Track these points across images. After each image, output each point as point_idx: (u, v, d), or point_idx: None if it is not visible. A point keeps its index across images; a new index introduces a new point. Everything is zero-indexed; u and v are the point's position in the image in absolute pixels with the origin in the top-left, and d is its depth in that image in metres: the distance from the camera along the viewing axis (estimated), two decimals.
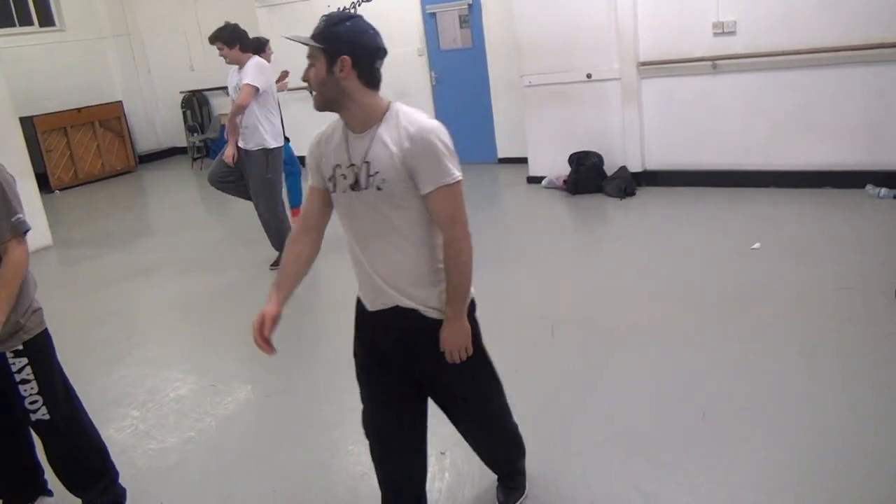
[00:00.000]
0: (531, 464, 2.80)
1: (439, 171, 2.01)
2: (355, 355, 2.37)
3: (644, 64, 6.54)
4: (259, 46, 6.09)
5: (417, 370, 2.30)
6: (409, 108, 2.10)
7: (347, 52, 2.01)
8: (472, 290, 2.24)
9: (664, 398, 3.29)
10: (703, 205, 6.10)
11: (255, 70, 5.38)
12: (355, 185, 2.08)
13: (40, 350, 2.59)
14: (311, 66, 2.06)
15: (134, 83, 11.93)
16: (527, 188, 7.39)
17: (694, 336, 3.84)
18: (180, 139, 11.92)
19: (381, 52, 2.08)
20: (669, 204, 6.28)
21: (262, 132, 5.42)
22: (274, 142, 5.48)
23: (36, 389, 2.56)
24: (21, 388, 2.53)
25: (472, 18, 8.44)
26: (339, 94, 2.05)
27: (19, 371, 2.52)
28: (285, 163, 6.03)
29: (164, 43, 11.72)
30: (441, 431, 3.20)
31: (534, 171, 7.50)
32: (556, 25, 6.92)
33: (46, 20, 10.95)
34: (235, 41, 5.39)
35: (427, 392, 2.39)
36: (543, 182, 7.31)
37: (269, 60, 6.13)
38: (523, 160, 7.72)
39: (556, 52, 6.98)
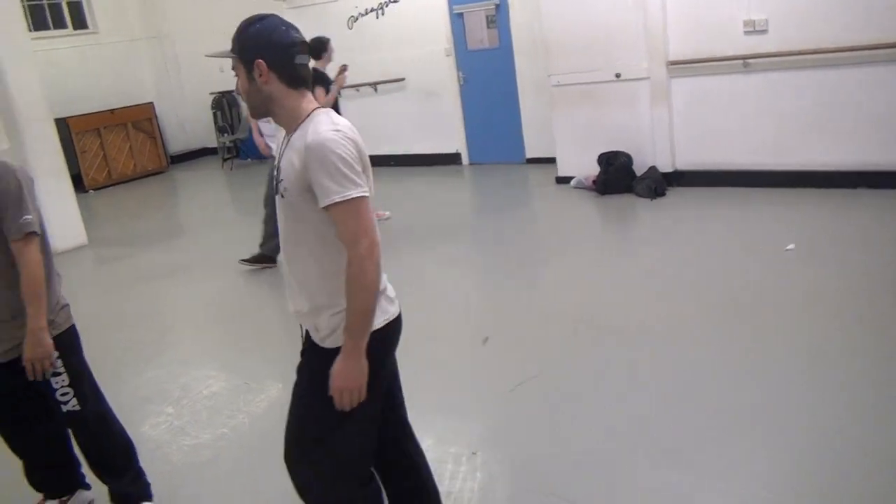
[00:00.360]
0: (555, 464, 2.78)
1: (331, 187, 1.85)
2: None
3: (674, 63, 6.48)
4: (321, 46, 6.21)
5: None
6: (328, 116, 1.97)
7: (260, 55, 1.94)
8: (382, 319, 2.03)
9: (689, 399, 3.26)
10: (736, 205, 6.04)
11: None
12: (276, 190, 2.03)
13: (69, 344, 2.67)
14: (236, 76, 2.02)
15: (165, 85, 12.10)
16: (555, 188, 7.36)
17: (725, 339, 3.80)
18: (210, 140, 12.06)
19: (296, 47, 1.97)
20: (701, 204, 6.22)
21: None
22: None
23: (67, 381, 2.64)
24: (53, 380, 2.62)
25: (499, 18, 8.43)
26: (264, 100, 1.99)
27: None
28: None
29: (194, 45, 11.84)
30: (470, 431, 3.23)
31: (562, 171, 7.47)
32: (584, 24, 6.89)
33: (80, 23, 11.15)
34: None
35: None
36: (572, 182, 7.28)
37: (331, 59, 6.33)
38: (551, 160, 7.69)
39: (585, 52, 6.94)
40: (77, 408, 2.67)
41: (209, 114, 11.67)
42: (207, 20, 11.45)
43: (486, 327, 4.33)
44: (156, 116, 11.54)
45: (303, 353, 2.17)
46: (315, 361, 2.05)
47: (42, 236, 2.57)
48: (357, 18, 9.45)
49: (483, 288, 5.28)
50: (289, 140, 2.00)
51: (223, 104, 11.61)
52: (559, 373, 3.68)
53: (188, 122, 12.37)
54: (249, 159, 11.29)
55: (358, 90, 9.64)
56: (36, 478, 2.92)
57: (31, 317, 2.48)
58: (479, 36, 8.68)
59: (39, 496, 2.95)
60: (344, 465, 2.08)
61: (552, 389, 3.53)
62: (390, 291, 2.14)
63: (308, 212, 1.94)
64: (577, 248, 5.65)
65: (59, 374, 2.62)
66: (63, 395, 2.64)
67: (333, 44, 6.48)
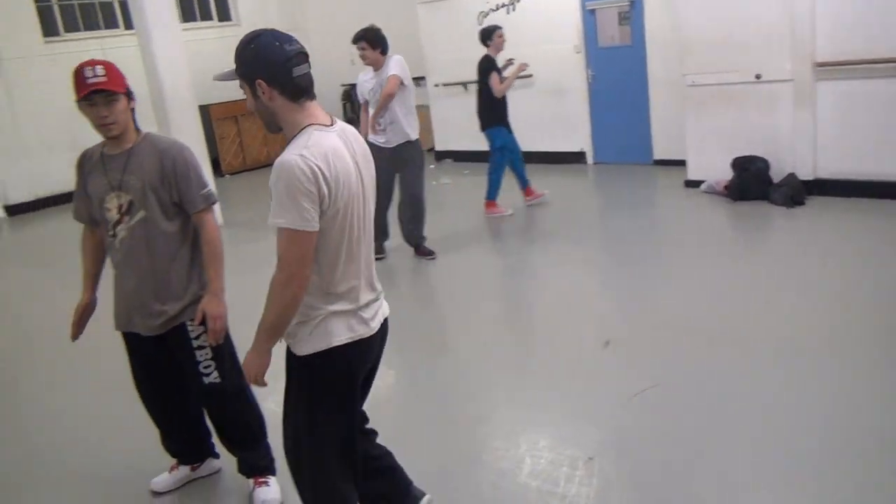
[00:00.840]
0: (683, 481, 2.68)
1: (273, 208, 1.94)
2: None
3: (821, 65, 6.10)
4: (487, 34, 6.64)
5: None
6: (307, 136, 1.98)
7: (259, 74, 1.98)
8: (347, 336, 2.12)
9: (820, 422, 3.06)
10: (883, 218, 5.63)
11: (399, 64, 5.54)
12: None
13: None
14: (246, 96, 2.07)
15: None
16: (684, 192, 7.11)
17: (860, 359, 3.55)
18: None
19: (292, 60, 1.99)
20: (843, 216, 5.84)
21: (404, 126, 5.61)
22: (415, 134, 5.71)
23: (210, 355, 2.78)
24: (197, 353, 2.76)
25: (633, 15, 8.21)
26: (272, 117, 2.05)
27: (196, 338, 2.75)
28: (507, 149, 6.82)
29: (328, 38, 12.23)
30: (589, 435, 3.17)
31: (692, 174, 7.20)
32: (723, 23, 6.60)
33: (224, 15, 11.79)
34: (378, 44, 5.55)
35: None
36: (702, 186, 7.01)
37: (500, 48, 6.73)
38: (681, 163, 7.43)
39: (723, 51, 6.66)
40: (217, 381, 2.80)
41: (339, 105, 12.02)
42: (344, 14, 11.80)
43: (607, 330, 4.24)
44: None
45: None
46: (290, 365, 2.23)
47: None
48: (487, 14, 9.44)
49: (605, 290, 5.17)
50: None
51: (352, 96, 11.92)
52: (684, 383, 3.55)
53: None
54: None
55: None
56: (171, 445, 3.10)
57: (213, 279, 2.66)
58: (611, 33, 8.49)
59: (174, 461, 3.13)
60: (320, 463, 2.24)
61: (675, 400, 3.41)
62: (366, 313, 2.18)
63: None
64: (707, 254, 5.43)
65: (203, 347, 2.75)
66: (205, 367, 2.78)
67: (503, 32, 6.82)
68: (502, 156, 6.96)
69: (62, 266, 7.25)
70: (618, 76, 8.53)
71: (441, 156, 10.61)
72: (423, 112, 11.01)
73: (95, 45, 9.69)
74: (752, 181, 6.48)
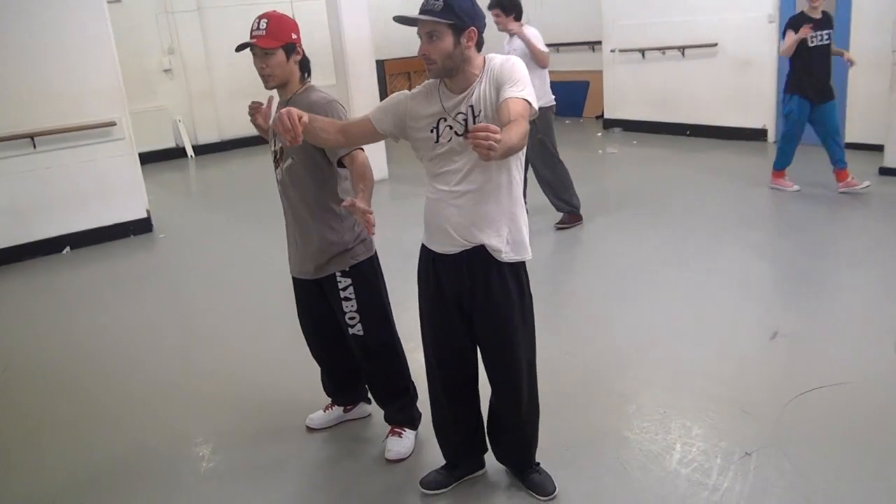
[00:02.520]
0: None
1: (518, 86, 2.17)
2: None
3: None
4: None
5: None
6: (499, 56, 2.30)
7: (473, 23, 2.19)
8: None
9: None
10: None
11: (536, 35, 5.48)
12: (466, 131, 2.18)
13: (363, 274, 2.86)
14: (432, 40, 2.18)
15: None
16: (878, 179, 6.47)
17: None
18: None
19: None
20: None
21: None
22: (539, 102, 5.43)
23: (355, 308, 2.86)
24: (344, 304, 2.85)
25: None
26: (460, 63, 2.21)
27: (344, 289, 2.84)
28: (793, 119, 6.18)
29: None
30: (748, 429, 2.99)
31: (890, 161, 6.55)
32: None
33: None
34: (513, 9, 5.47)
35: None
36: None
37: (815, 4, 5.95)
38: (878, 147, 6.78)
39: None
40: (360, 333, 2.88)
41: None
42: None
43: (775, 321, 3.97)
44: None
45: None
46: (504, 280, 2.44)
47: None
48: None
49: (776, 279, 4.83)
50: (474, 88, 2.25)
51: None
52: (863, 386, 3.26)
53: None
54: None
55: (664, 53, 9.23)
56: (328, 385, 3.25)
57: (363, 191, 2.53)
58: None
59: (329, 401, 3.28)
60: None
61: (851, 402, 3.14)
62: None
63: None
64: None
65: (350, 300, 2.84)
66: (350, 318, 2.87)
67: None
68: (788, 125, 6.34)
69: (240, 205, 7.77)
70: None
71: (609, 124, 10.30)
72: (596, 77, 10.73)
73: None
74: None
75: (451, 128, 2.27)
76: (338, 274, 2.82)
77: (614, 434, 3.05)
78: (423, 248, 2.48)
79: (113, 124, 6.36)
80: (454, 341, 2.52)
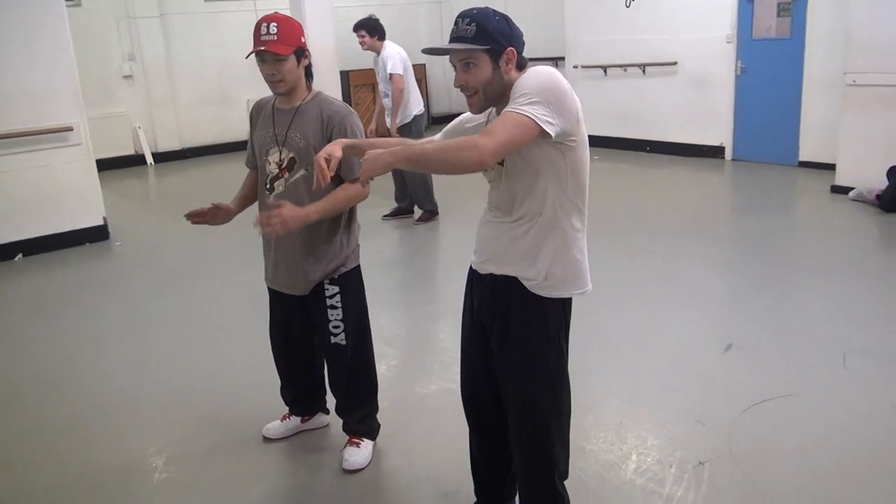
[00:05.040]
0: None
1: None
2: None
3: None
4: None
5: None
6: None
7: (511, 43, 1.98)
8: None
9: None
10: None
11: (394, 55, 6.26)
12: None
13: (351, 282, 2.84)
14: (469, 69, 1.99)
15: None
16: (830, 198, 6.66)
17: None
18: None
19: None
20: None
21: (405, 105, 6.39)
22: (415, 111, 6.47)
23: (340, 316, 2.82)
24: (329, 312, 2.81)
25: (794, 6, 7.72)
26: (502, 88, 2.00)
27: (331, 297, 2.80)
28: None
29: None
30: (702, 439, 3.04)
31: (841, 179, 6.73)
32: None
33: None
34: (376, 31, 6.29)
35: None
36: (851, 194, 6.54)
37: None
38: (830, 166, 6.98)
39: (894, 51, 6.15)
40: (343, 342, 2.85)
41: None
42: None
43: (730, 334, 4.04)
44: (426, 77, 12.09)
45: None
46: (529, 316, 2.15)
47: None
48: None
49: (731, 293, 4.92)
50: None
51: None
52: (813, 399, 3.34)
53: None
54: None
55: (626, 70, 9.39)
56: (288, 396, 3.21)
57: (316, 206, 2.56)
58: (767, 24, 8.03)
59: (286, 411, 3.25)
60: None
61: (801, 413, 3.22)
62: None
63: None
64: (849, 266, 5.06)
65: (336, 308, 2.80)
66: (334, 326, 2.83)
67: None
68: None
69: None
70: (770, 70, 8.08)
71: None
72: None
73: (250, 5, 10.09)
74: None
75: None
76: (326, 282, 2.78)
77: (572, 445, 3.05)
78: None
79: (70, 129, 6.24)
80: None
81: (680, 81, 8.92)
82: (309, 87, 2.74)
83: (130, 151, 10.58)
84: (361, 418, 3.04)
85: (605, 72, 9.66)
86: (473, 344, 2.28)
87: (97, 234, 6.61)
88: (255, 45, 2.57)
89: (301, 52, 2.63)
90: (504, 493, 2.49)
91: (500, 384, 2.22)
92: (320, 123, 2.65)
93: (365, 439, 3.03)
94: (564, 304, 2.15)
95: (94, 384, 3.90)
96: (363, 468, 2.96)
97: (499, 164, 2.04)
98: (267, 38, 2.54)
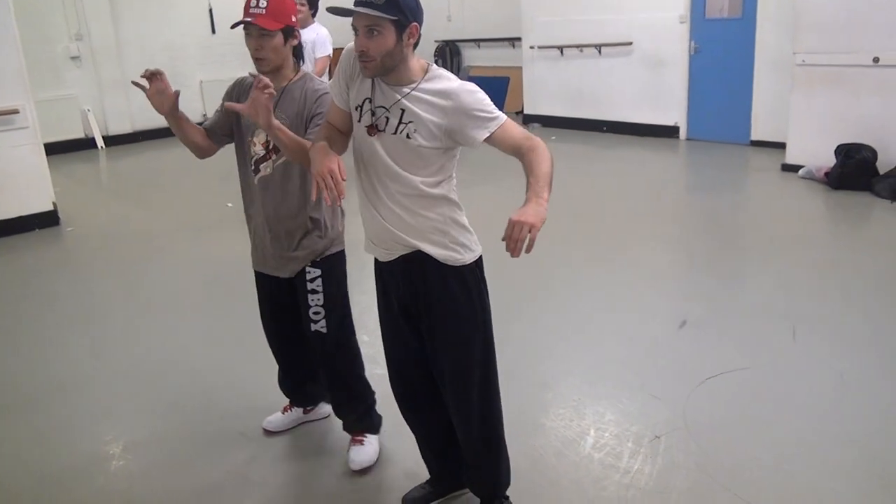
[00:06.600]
0: None
1: (487, 116, 2.07)
2: None
3: None
4: None
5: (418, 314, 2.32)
6: (443, 72, 2.15)
7: (417, 19, 2.04)
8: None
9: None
10: None
11: (322, 36, 5.83)
12: (374, 128, 2.12)
13: (333, 267, 2.74)
14: (372, 36, 1.99)
15: None
16: (780, 176, 6.82)
17: None
18: None
19: None
20: None
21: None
22: None
23: (321, 301, 2.71)
24: (310, 297, 2.71)
25: None
26: (399, 61, 2.06)
27: (312, 280, 2.69)
28: None
29: None
30: (657, 414, 3.11)
31: (791, 158, 6.89)
32: (845, 1, 6.23)
33: None
34: (314, 5, 5.84)
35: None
36: (800, 172, 6.71)
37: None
38: (780, 145, 7.13)
39: (841, 31, 6.31)
40: (324, 329, 2.73)
41: (430, 61, 11.96)
42: None
43: (684, 311, 4.13)
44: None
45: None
46: (460, 286, 2.36)
47: None
48: None
49: (685, 271, 5.02)
50: (411, 91, 2.09)
51: (445, 53, 11.88)
52: (763, 371, 3.43)
53: None
54: None
55: (581, 50, 9.44)
56: (287, 385, 3.10)
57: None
58: (721, 4, 8.15)
59: (287, 402, 3.15)
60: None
61: (753, 387, 3.31)
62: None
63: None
64: (799, 242, 5.20)
65: (317, 292, 2.70)
66: (315, 312, 2.72)
67: None
68: None
69: (153, 197, 7.54)
70: (722, 49, 8.21)
71: (529, 119, 10.46)
72: (516, 73, 10.87)
73: None
74: (855, 170, 6.16)
75: (371, 113, 2.12)
76: (307, 265, 2.68)
77: (532, 422, 3.12)
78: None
79: (16, 112, 6.06)
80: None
81: (635, 62, 9.00)
82: (297, 68, 2.63)
83: (80, 135, 10.33)
84: (359, 416, 2.92)
85: (562, 52, 9.70)
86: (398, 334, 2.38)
87: (47, 220, 6.45)
88: (243, 16, 2.46)
89: (290, 31, 2.52)
90: (456, 466, 2.57)
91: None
92: (302, 102, 2.55)
93: (367, 435, 2.92)
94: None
95: (46, 371, 3.82)
96: (371, 465, 2.85)
97: (367, 127, 2.15)
98: (255, 10, 2.43)
